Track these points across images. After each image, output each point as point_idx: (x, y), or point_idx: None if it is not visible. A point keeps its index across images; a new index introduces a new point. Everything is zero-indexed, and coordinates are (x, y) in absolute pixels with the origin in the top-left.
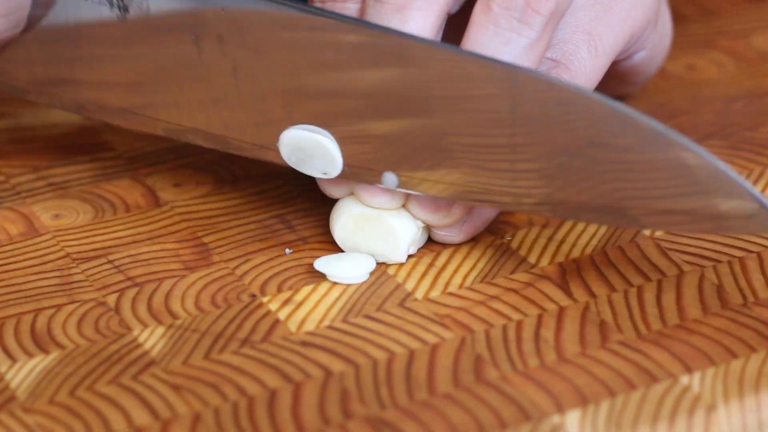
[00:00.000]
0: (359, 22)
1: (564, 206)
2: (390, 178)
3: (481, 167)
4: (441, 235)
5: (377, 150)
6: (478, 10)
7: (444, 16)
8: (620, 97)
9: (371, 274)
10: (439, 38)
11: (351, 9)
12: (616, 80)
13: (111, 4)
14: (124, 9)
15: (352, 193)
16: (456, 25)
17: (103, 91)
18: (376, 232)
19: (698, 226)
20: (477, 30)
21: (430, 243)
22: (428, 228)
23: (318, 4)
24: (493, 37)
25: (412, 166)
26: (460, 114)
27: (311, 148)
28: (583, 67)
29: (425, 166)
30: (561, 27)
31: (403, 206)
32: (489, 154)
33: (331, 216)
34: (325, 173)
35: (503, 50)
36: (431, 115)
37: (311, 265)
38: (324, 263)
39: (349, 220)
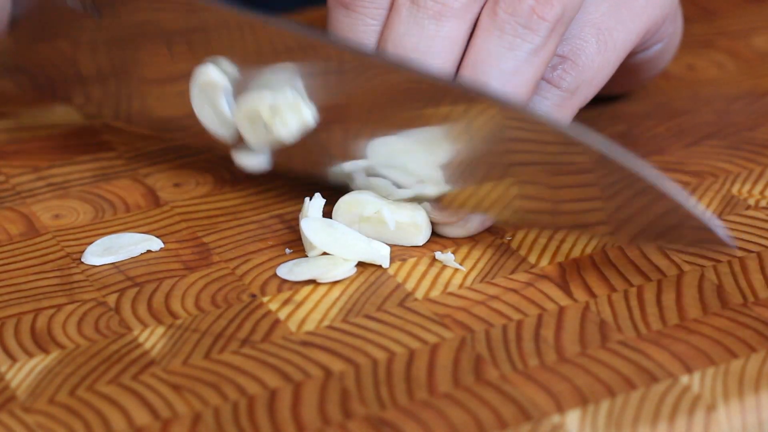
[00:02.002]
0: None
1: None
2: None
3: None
4: (446, 230)
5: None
6: (484, 16)
7: (474, 23)
8: (622, 96)
9: (372, 274)
10: (465, 44)
11: (381, 3)
12: (627, 74)
13: (84, 7)
14: (99, 13)
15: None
16: None
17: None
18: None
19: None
20: (483, 35)
21: (431, 243)
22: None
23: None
24: (498, 43)
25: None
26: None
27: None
28: (590, 62)
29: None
30: (571, 23)
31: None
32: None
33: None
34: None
35: (507, 55)
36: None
37: None
38: (286, 270)
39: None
